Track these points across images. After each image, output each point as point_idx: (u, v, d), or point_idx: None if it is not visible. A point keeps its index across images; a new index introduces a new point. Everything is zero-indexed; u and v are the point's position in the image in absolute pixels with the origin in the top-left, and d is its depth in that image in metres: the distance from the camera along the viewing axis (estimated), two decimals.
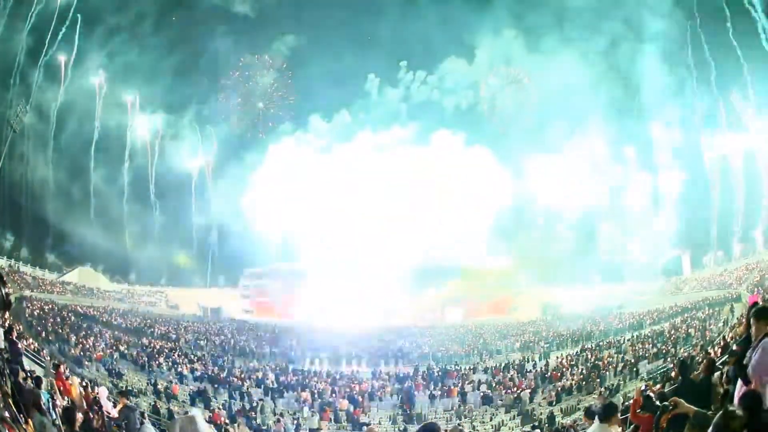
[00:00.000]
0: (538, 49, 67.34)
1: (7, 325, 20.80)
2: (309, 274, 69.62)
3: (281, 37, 74.07)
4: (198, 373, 32.71)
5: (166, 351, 36.21)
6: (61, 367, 21.47)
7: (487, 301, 66.93)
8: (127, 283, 58.35)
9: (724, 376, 7.41)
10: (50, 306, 34.05)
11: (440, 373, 36.23)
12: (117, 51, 60.29)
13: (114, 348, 32.01)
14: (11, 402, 11.72)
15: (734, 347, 10.95)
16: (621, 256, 62.60)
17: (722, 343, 19.52)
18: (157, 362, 32.79)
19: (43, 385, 14.31)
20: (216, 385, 31.50)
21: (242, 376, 33.81)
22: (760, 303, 12.40)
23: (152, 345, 36.62)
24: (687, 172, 59.09)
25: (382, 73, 77.66)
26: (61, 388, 16.42)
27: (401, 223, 72.11)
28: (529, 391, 29.87)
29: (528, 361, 37.01)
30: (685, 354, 22.93)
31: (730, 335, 19.93)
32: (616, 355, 30.87)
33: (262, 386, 32.16)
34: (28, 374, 18.40)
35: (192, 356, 36.88)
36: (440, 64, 75.04)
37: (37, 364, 22.22)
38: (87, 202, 59.15)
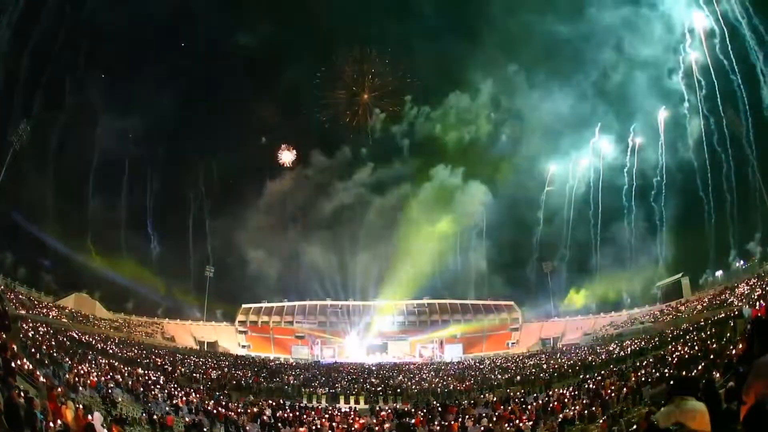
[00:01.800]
0: (532, 84, 69.02)
1: (1, 342, 20.65)
2: (307, 310, 69.28)
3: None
4: (193, 406, 32.01)
5: (162, 382, 35.56)
6: (56, 390, 21.21)
7: (487, 336, 66.30)
8: (124, 312, 57.74)
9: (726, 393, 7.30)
10: (45, 329, 33.63)
11: (440, 408, 35.51)
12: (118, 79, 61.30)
13: (109, 376, 31.43)
14: (3, 419, 11.57)
15: (735, 364, 10.93)
16: (618, 284, 62.47)
17: (726, 361, 19.30)
18: (152, 392, 32.14)
19: (37, 407, 14.13)
20: (212, 419, 30.78)
21: (239, 410, 33.07)
22: (763, 316, 12.36)
23: (148, 375, 36.00)
24: (680, 195, 59.58)
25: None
26: (54, 411, 16.19)
27: (400, 259, 72.35)
28: (530, 423, 29.21)
29: (529, 394, 36.35)
30: (688, 375, 22.56)
31: (734, 352, 19.70)
32: (618, 383, 30.37)
33: (259, 421, 31.41)
34: (22, 393, 18.15)
35: (188, 388, 36.16)
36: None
37: (31, 385, 21.88)
38: (85, 228, 59.44)
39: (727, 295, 43.72)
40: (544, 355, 51.45)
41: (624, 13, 56.65)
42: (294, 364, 55.68)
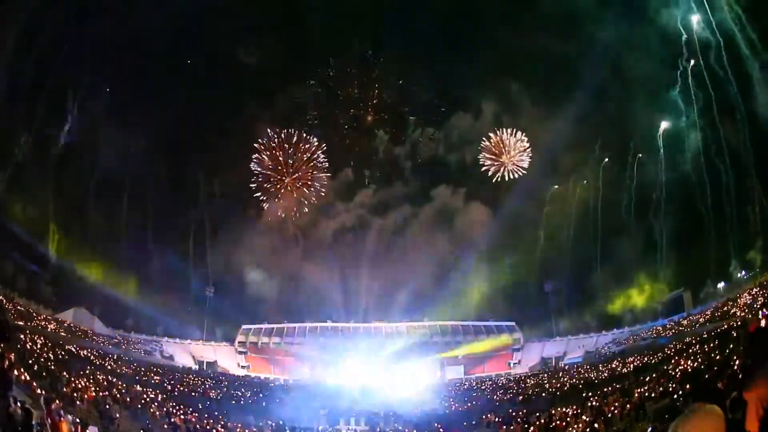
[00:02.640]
0: (531, 102, 69.72)
1: None
2: (307, 332, 68.92)
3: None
4: (192, 425, 31.63)
5: (160, 400, 35.20)
6: (54, 403, 20.98)
7: (488, 357, 65.86)
8: (123, 329, 57.36)
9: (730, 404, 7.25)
10: (43, 341, 33.41)
11: (442, 429, 35.18)
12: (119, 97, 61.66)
13: (107, 391, 31.14)
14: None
15: (739, 375, 10.87)
16: (620, 303, 62.31)
17: (729, 372, 19.10)
18: (150, 410, 31.81)
19: (34, 419, 14.02)
20: None
21: (237, 430, 32.68)
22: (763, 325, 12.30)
23: (146, 392, 35.63)
24: (680, 209, 59.67)
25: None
26: (52, 424, 16.03)
27: (401, 280, 72.19)
28: None
29: (531, 414, 35.87)
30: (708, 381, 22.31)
31: (738, 363, 19.50)
32: (621, 399, 29.99)
33: None
34: (19, 404, 17.97)
35: (186, 407, 35.76)
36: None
37: (28, 396, 21.69)
38: (85, 243, 59.32)
39: (729, 306, 43.62)
40: (546, 375, 50.94)
41: (620, 29, 56.99)
42: (294, 385, 55.19)
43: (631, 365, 39.57)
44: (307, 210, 77.28)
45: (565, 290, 68.15)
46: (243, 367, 64.05)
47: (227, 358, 63.68)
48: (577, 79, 60.89)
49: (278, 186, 76.32)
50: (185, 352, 59.54)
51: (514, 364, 64.46)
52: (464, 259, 73.96)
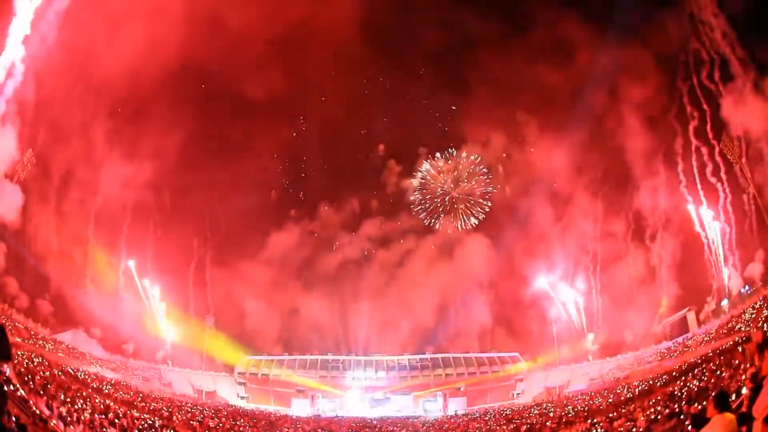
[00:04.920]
0: (533, 135, 70.70)
1: None
2: (308, 364, 68.27)
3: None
4: None
5: (158, 426, 34.61)
6: (51, 422, 20.78)
7: (491, 388, 64.93)
8: (121, 354, 56.81)
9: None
10: (40, 359, 33.09)
11: None
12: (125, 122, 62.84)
13: (103, 414, 30.67)
14: None
15: (745, 389, 10.78)
16: (622, 328, 62.17)
17: (735, 387, 18.88)
18: None
19: None
20: None
21: None
22: None
23: (144, 418, 35.05)
24: (678, 234, 60.10)
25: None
26: None
27: (403, 312, 71.89)
28: None
29: None
30: (697, 408, 21.94)
31: (745, 376, 19.23)
32: (627, 423, 29.42)
33: None
34: (14, 419, 17.81)
35: None
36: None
37: (23, 412, 21.43)
38: (86, 267, 59.39)
39: (734, 322, 43.24)
40: (550, 404, 50.02)
41: (615, 54, 58.39)
42: (294, 417, 54.28)
43: (637, 389, 38.98)
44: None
45: (568, 318, 67.65)
46: (242, 397, 63.14)
47: (226, 388, 62.82)
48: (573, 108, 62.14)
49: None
50: (184, 381, 58.78)
51: (517, 394, 63.48)
52: (467, 290, 73.78)
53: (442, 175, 79.81)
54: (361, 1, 68.27)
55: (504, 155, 77.28)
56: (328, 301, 73.44)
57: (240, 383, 65.14)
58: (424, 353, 70.67)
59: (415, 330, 71.44)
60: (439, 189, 79.93)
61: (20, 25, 46.71)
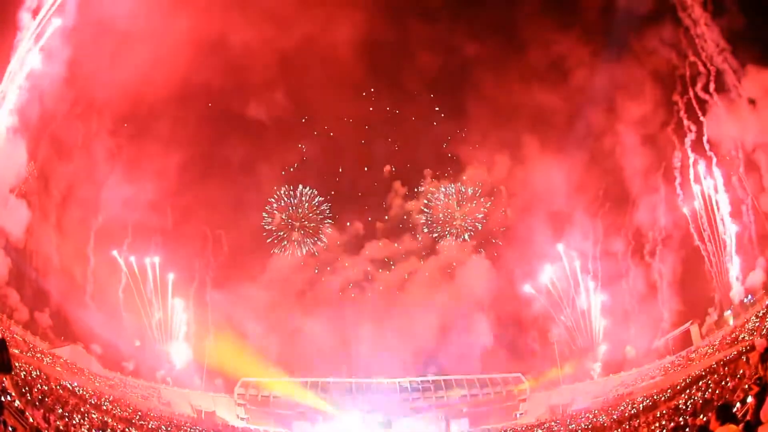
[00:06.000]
0: (534, 155, 70.98)
1: None
2: (309, 386, 67.62)
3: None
4: None
5: None
6: None
7: (494, 410, 64.17)
8: (120, 372, 56.32)
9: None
10: (38, 372, 32.86)
11: None
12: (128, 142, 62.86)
13: (101, 430, 30.43)
14: None
15: (750, 398, 10.82)
16: (624, 345, 61.81)
17: (741, 396, 18.81)
18: None
19: None
20: None
21: None
22: None
23: None
24: (677, 249, 60.03)
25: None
26: None
27: (405, 335, 71.37)
28: None
29: None
30: (703, 420, 21.71)
31: (750, 385, 19.08)
32: None
33: None
34: (10, 428, 17.77)
35: None
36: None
37: (19, 423, 21.31)
38: (86, 284, 59.09)
39: (737, 332, 43.01)
40: (554, 423, 49.48)
41: (611, 73, 59.07)
42: None
43: (641, 404, 38.59)
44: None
45: (570, 338, 67.28)
46: (242, 419, 62.32)
47: (226, 409, 62.04)
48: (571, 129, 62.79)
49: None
50: (184, 401, 58.15)
51: (520, 414, 62.67)
52: (468, 311, 73.46)
53: (445, 197, 79.96)
54: (360, 24, 68.75)
55: (505, 177, 77.18)
56: (330, 323, 72.89)
57: (240, 404, 64.37)
58: (425, 375, 69.82)
59: (416, 352, 70.67)
60: (441, 214, 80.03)
61: (25, 40, 47.51)
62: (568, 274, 67.91)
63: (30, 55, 47.91)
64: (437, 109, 79.83)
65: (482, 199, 78.58)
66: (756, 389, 9.56)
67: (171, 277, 64.88)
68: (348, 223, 79.89)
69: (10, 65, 47.01)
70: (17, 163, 49.94)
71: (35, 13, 47.92)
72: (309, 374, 68.94)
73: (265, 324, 70.67)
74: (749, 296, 51.90)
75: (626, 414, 38.31)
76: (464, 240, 78.45)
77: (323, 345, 71.87)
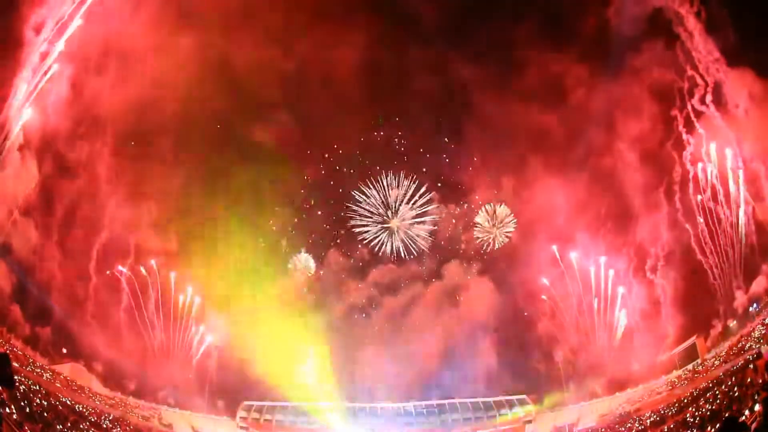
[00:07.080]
0: (537, 176, 71.12)
1: None
2: (311, 410, 67.05)
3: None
4: None
5: None
6: None
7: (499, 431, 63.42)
8: (121, 391, 55.85)
9: None
10: (38, 387, 32.56)
11: None
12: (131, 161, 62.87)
13: None
14: None
15: (758, 406, 10.83)
16: (628, 363, 61.39)
17: (749, 404, 18.70)
18: None
19: None
20: None
21: None
22: None
23: None
24: (680, 264, 59.72)
25: None
26: None
27: (409, 359, 70.87)
28: None
29: None
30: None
31: (758, 392, 18.91)
32: None
33: None
34: None
35: None
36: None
37: None
38: (87, 301, 58.90)
39: (743, 342, 42.73)
40: None
41: (609, 91, 59.57)
42: None
43: (648, 420, 38.10)
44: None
45: (576, 357, 66.76)
46: None
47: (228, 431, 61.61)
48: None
49: None
50: (185, 422, 57.70)
51: None
52: (473, 334, 72.98)
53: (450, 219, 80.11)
54: (360, 49, 69.53)
55: (507, 198, 77.44)
56: (334, 348, 72.38)
57: (242, 427, 63.82)
58: (429, 399, 69.35)
59: (420, 375, 70.14)
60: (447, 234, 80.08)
61: (29, 56, 48.27)
62: (570, 291, 67.82)
63: (34, 73, 48.67)
64: (438, 133, 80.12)
65: (486, 223, 78.25)
66: (764, 395, 9.50)
67: (173, 296, 64.70)
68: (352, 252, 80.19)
69: (15, 84, 47.71)
70: (25, 181, 50.36)
71: (38, 30, 48.73)
72: (312, 398, 68.32)
73: (268, 346, 70.14)
74: (755, 305, 51.65)
75: (633, 431, 37.86)
76: (469, 264, 78.15)
77: (327, 369, 71.34)
